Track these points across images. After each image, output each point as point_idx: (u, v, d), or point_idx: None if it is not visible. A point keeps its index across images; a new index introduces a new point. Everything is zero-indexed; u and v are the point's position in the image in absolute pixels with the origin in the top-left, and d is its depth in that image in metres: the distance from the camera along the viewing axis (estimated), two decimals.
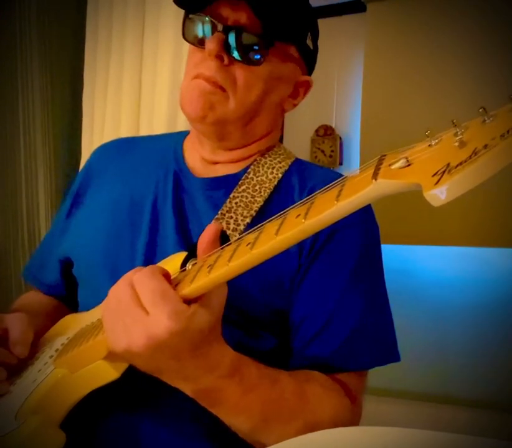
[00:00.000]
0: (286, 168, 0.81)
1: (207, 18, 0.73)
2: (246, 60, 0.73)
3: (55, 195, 1.87)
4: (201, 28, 0.74)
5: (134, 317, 0.52)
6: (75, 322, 0.78)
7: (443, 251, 2.01)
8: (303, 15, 0.79)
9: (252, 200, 0.76)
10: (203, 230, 0.72)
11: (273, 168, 0.80)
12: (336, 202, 0.43)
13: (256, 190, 0.77)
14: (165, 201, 0.80)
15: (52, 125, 1.86)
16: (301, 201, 0.50)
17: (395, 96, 2.08)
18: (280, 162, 0.81)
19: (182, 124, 1.65)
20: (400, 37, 2.08)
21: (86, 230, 0.84)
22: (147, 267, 0.56)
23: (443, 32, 2.00)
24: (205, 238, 0.58)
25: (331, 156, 2.22)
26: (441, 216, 1.92)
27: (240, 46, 0.72)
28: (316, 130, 2.25)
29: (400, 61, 2.07)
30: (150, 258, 0.76)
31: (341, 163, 2.23)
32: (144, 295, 0.52)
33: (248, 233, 0.53)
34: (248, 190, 0.77)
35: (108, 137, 1.78)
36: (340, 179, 0.47)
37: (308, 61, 0.82)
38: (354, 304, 0.74)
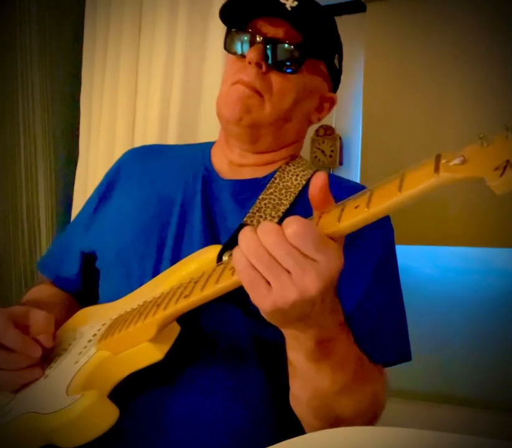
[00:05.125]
0: (309, 176, 0.86)
1: (248, 32, 0.82)
2: (283, 69, 0.81)
3: (55, 196, 1.87)
4: (242, 40, 0.83)
5: (303, 265, 0.52)
6: (100, 312, 0.82)
7: (445, 251, 2.02)
8: (334, 36, 0.88)
9: (279, 202, 0.81)
10: (228, 229, 0.80)
11: (297, 175, 0.86)
12: (399, 192, 0.49)
13: (283, 193, 0.83)
14: (193, 201, 0.85)
15: (51, 125, 1.86)
16: (351, 196, 0.55)
17: (395, 95, 2.08)
18: (303, 171, 0.87)
19: (173, 122, 1.66)
20: (400, 37, 2.08)
21: (115, 225, 0.89)
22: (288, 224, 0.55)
23: (443, 31, 2.00)
24: (317, 185, 0.57)
25: (331, 156, 2.22)
26: (443, 216, 1.92)
27: (278, 56, 0.80)
28: (316, 130, 2.25)
29: (400, 61, 2.07)
30: (177, 253, 0.81)
31: (341, 163, 2.23)
32: (306, 243, 0.52)
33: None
34: (275, 193, 0.82)
35: (105, 137, 1.79)
36: (396, 175, 0.52)
37: (334, 79, 0.91)
38: (376, 301, 0.77)
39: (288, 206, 0.81)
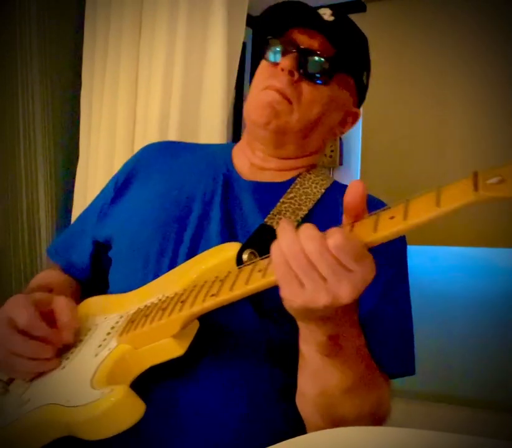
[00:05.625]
0: (328, 186, 0.89)
1: (284, 40, 0.84)
2: (314, 80, 0.83)
3: (55, 196, 1.87)
4: (277, 48, 0.84)
5: (339, 275, 0.54)
6: (114, 303, 0.82)
7: (445, 251, 2.01)
8: (365, 53, 0.91)
9: (299, 207, 0.83)
10: (246, 228, 0.82)
11: (317, 183, 0.88)
12: (437, 207, 0.51)
13: (303, 199, 0.85)
14: (213, 199, 0.87)
15: (51, 125, 1.86)
16: (381, 209, 0.56)
17: (395, 95, 2.08)
18: (322, 180, 0.90)
19: (174, 121, 1.66)
20: (400, 37, 2.08)
21: (134, 218, 0.90)
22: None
23: (444, 31, 2.00)
24: (354, 193, 0.57)
25: (331, 156, 2.22)
26: (443, 216, 1.92)
27: (311, 67, 0.83)
28: None
29: (401, 61, 2.07)
30: (194, 249, 0.82)
31: (341, 164, 2.23)
32: (347, 255, 0.53)
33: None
34: (295, 198, 0.84)
35: (105, 137, 1.79)
36: (430, 190, 0.54)
37: (360, 95, 0.93)
38: (386, 310, 0.78)
39: (306, 212, 0.83)
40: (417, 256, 2.05)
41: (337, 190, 0.88)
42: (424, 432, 0.46)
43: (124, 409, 0.62)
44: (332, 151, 2.22)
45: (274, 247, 0.56)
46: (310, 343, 0.65)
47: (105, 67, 1.81)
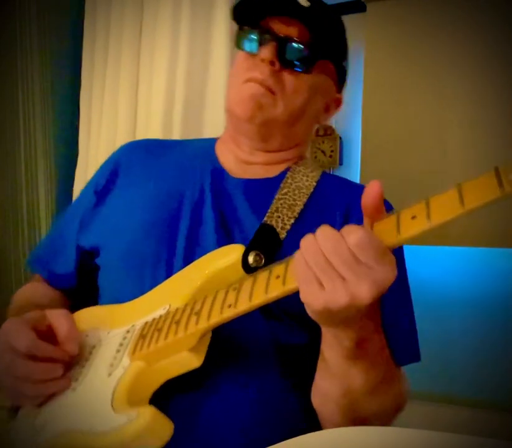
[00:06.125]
0: (318, 177, 0.88)
1: (261, 30, 0.81)
2: (295, 68, 0.81)
3: (55, 195, 1.87)
4: (254, 38, 0.82)
5: (359, 274, 0.53)
6: (115, 315, 0.78)
7: (444, 251, 2.01)
8: (343, 37, 0.90)
9: (294, 203, 0.82)
10: (242, 228, 0.80)
11: (307, 176, 0.87)
12: (462, 206, 0.50)
13: (296, 194, 0.83)
14: (203, 199, 0.84)
15: (51, 124, 1.86)
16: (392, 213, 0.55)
17: (395, 95, 2.07)
18: (312, 172, 0.88)
19: (177, 121, 1.65)
20: (400, 36, 2.07)
21: (121, 223, 0.86)
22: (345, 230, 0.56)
23: (444, 31, 1.99)
24: (372, 194, 0.57)
25: (331, 156, 2.22)
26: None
27: (291, 55, 0.81)
28: (316, 131, 2.25)
29: (401, 61, 2.07)
30: (190, 253, 0.79)
31: (341, 163, 2.23)
32: (368, 252, 0.53)
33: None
34: (289, 194, 0.83)
35: (105, 136, 1.78)
36: (452, 187, 0.52)
37: (341, 80, 0.92)
38: (396, 301, 0.78)
39: (302, 207, 0.82)
40: (416, 256, 2.05)
41: (327, 181, 0.88)
42: (424, 432, 0.46)
43: (154, 432, 0.59)
44: (332, 151, 2.22)
45: (297, 252, 0.56)
46: (336, 349, 0.64)
47: (106, 65, 1.81)
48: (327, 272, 0.54)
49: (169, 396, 0.70)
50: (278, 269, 0.61)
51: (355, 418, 0.71)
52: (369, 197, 0.56)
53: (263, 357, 0.77)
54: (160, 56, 1.68)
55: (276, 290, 0.59)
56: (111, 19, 1.80)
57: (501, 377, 1.90)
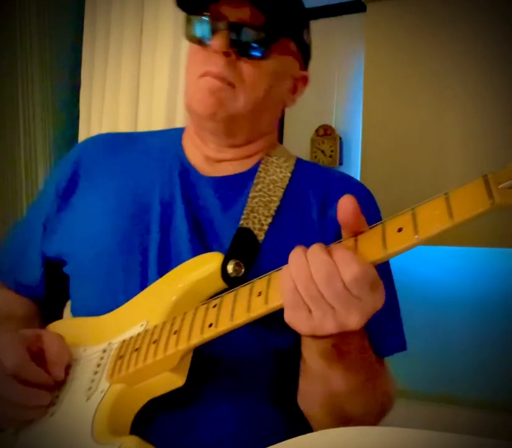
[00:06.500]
0: (293, 167, 0.83)
1: (209, 17, 0.74)
2: (253, 55, 0.75)
3: None
4: (204, 27, 0.75)
5: (348, 306, 0.52)
6: (89, 330, 0.74)
7: (444, 251, 2.01)
8: (300, 11, 0.81)
9: (269, 199, 0.78)
10: (216, 232, 0.75)
11: (281, 167, 0.82)
12: (451, 219, 0.47)
13: (271, 189, 0.79)
14: (173, 201, 0.79)
15: (51, 124, 1.86)
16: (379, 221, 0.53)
17: (395, 95, 2.07)
18: (285, 162, 0.83)
19: (180, 119, 1.65)
20: (400, 36, 2.07)
21: (88, 229, 0.81)
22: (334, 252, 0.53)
23: (444, 31, 1.99)
24: (349, 210, 0.54)
25: (331, 156, 2.22)
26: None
27: (246, 42, 0.74)
28: (316, 130, 2.25)
29: (400, 61, 2.07)
30: (165, 260, 0.75)
31: (340, 163, 2.23)
32: (362, 288, 0.51)
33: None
34: (264, 190, 0.78)
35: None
36: (438, 196, 0.50)
37: (305, 56, 0.84)
38: None
39: (278, 203, 0.78)
40: (416, 256, 2.05)
41: (302, 170, 0.84)
42: (424, 432, 0.46)
43: None
44: (332, 151, 2.22)
45: (285, 273, 0.54)
46: (314, 350, 0.63)
47: (106, 65, 1.81)
48: (317, 301, 0.52)
49: (151, 414, 0.67)
50: (259, 284, 0.59)
51: (341, 418, 0.69)
52: (345, 214, 0.54)
53: (250, 364, 0.73)
54: (161, 55, 1.68)
55: (259, 309, 0.57)
56: (111, 19, 1.79)
57: (501, 377, 1.90)
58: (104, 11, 1.81)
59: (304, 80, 0.85)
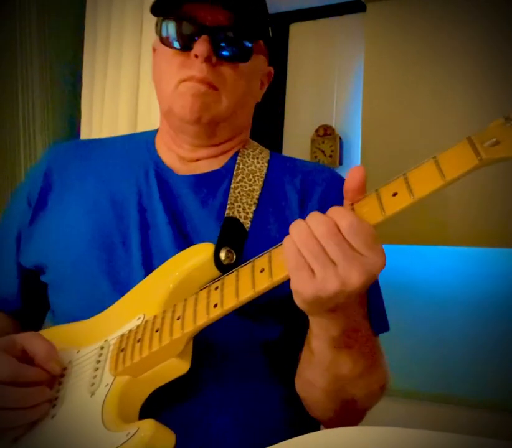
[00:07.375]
0: (268, 158, 0.86)
1: (187, 22, 0.75)
2: (234, 58, 0.77)
3: None
4: (180, 31, 0.75)
5: (350, 259, 0.53)
6: (81, 332, 0.74)
7: (443, 252, 2.01)
8: (266, 8, 0.83)
9: (251, 188, 0.80)
10: (197, 227, 0.77)
11: (257, 158, 0.85)
12: (443, 177, 0.50)
13: (251, 179, 0.81)
14: (151, 201, 0.80)
15: (51, 124, 1.86)
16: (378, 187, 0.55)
17: (395, 95, 2.07)
18: (260, 153, 0.87)
19: None
20: (400, 36, 2.07)
21: (65, 236, 0.80)
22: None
23: (444, 31, 1.99)
24: (356, 177, 0.57)
25: (331, 156, 2.22)
26: (442, 216, 1.92)
27: (227, 46, 0.76)
28: (316, 130, 2.25)
29: (401, 61, 2.07)
30: (148, 259, 0.76)
31: (341, 163, 2.23)
32: (359, 237, 0.53)
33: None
34: (244, 180, 0.81)
35: (106, 135, 1.78)
36: (427, 160, 0.53)
37: (269, 51, 0.87)
38: None
39: (260, 192, 0.80)
40: (416, 256, 2.06)
41: (277, 161, 0.87)
42: (424, 432, 0.46)
43: (158, 443, 0.57)
44: (332, 151, 2.22)
45: (287, 240, 0.56)
46: (322, 339, 0.64)
47: (107, 65, 1.81)
48: (320, 257, 0.53)
49: (154, 408, 0.67)
50: (260, 262, 0.60)
51: (343, 401, 0.71)
52: (354, 182, 0.56)
53: (243, 357, 0.75)
54: None
55: (264, 283, 0.58)
56: (111, 19, 1.80)
57: (501, 377, 1.90)
58: (105, 11, 1.81)
59: (269, 75, 0.89)
